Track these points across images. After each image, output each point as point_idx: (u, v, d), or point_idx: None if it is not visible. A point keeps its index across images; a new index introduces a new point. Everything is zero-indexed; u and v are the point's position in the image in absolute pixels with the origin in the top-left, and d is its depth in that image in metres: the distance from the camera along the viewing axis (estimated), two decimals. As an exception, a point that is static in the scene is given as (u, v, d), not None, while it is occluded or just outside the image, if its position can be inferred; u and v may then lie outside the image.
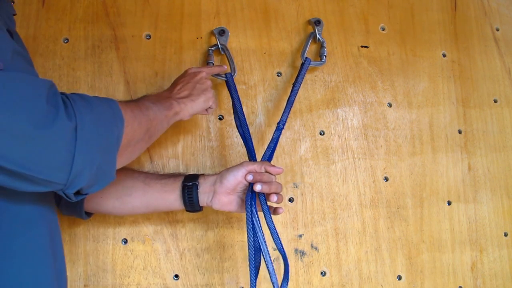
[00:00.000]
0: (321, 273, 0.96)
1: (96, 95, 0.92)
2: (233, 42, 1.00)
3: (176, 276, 0.91)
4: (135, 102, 0.68)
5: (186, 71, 0.85)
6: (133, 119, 0.61)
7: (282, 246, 0.78)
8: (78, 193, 0.55)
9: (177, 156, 0.95)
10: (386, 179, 1.02)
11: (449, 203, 1.04)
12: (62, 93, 0.53)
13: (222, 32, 0.98)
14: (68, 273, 0.88)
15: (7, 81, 0.47)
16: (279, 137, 0.87)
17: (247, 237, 0.77)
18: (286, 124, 0.90)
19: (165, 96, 0.78)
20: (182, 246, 0.92)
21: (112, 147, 0.56)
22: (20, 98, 0.47)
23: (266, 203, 0.79)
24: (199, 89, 0.81)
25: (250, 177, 0.78)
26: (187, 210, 0.81)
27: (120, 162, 0.61)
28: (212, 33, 0.99)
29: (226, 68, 0.93)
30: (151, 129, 0.67)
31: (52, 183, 0.51)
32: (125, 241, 0.91)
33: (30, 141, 0.47)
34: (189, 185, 0.80)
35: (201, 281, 0.91)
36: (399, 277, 0.99)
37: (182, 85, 0.81)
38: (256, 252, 0.78)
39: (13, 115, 0.46)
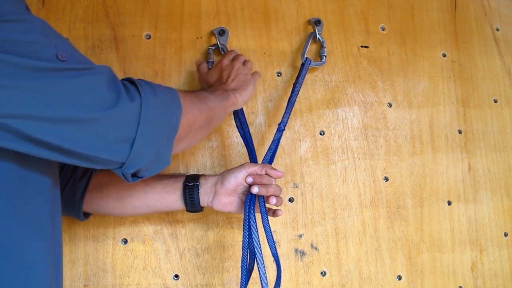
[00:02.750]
0: (321, 273, 0.96)
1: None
2: (233, 42, 1.00)
3: (176, 276, 0.91)
4: (193, 93, 0.72)
5: (221, 63, 0.88)
6: (193, 107, 0.65)
7: (276, 251, 0.78)
8: (134, 175, 0.58)
9: (177, 156, 0.95)
10: (386, 179, 1.02)
11: (449, 203, 1.04)
12: (128, 79, 0.57)
13: (222, 32, 0.98)
14: (68, 273, 0.88)
15: (70, 76, 0.50)
16: (280, 138, 0.87)
17: (242, 238, 0.77)
18: (286, 124, 0.90)
19: (221, 88, 0.81)
20: (182, 246, 0.92)
21: (171, 132, 0.59)
22: (81, 90, 0.50)
23: (265, 205, 0.79)
24: (245, 77, 0.85)
25: (250, 179, 0.79)
26: (188, 211, 0.82)
27: (182, 147, 0.65)
28: (212, 33, 0.99)
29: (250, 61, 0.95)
30: (211, 117, 0.70)
31: (112, 161, 0.54)
32: (125, 241, 0.91)
33: (93, 124, 0.50)
34: (190, 185, 0.80)
35: (201, 281, 0.91)
36: (399, 277, 0.99)
37: (229, 76, 0.84)
38: (250, 254, 0.78)
39: (76, 107, 0.49)
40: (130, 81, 0.57)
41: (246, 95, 0.83)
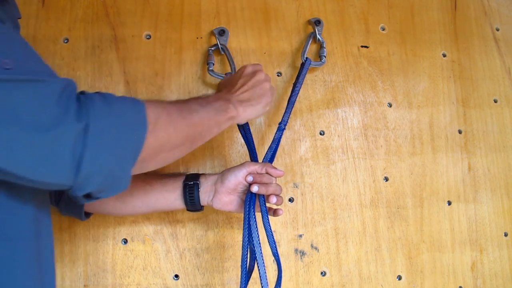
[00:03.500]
0: (321, 273, 0.96)
1: (96, 95, 0.93)
2: (233, 42, 1.00)
3: (176, 276, 0.91)
4: (178, 105, 0.63)
5: (243, 68, 0.81)
6: (168, 124, 0.58)
7: (276, 250, 0.78)
8: (89, 196, 0.53)
9: (177, 156, 0.95)
10: (386, 179, 1.02)
11: (449, 203, 1.04)
12: (83, 93, 0.52)
13: (222, 32, 0.98)
14: (68, 273, 0.88)
15: (9, 88, 0.45)
16: (280, 137, 0.87)
17: (242, 237, 0.77)
18: (286, 124, 0.90)
19: (223, 98, 0.72)
20: (182, 246, 0.92)
21: (128, 154, 0.53)
22: (22, 105, 0.45)
23: (265, 204, 0.79)
24: (260, 92, 0.76)
25: (250, 178, 0.78)
26: (188, 210, 0.81)
27: (152, 166, 0.59)
28: (212, 33, 0.99)
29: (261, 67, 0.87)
30: (194, 135, 0.63)
31: (58, 185, 0.50)
32: (125, 241, 0.91)
33: (34, 145, 0.46)
34: (190, 184, 0.80)
35: (201, 281, 0.91)
36: (399, 277, 0.99)
37: (242, 86, 0.76)
38: (250, 254, 0.78)
39: (14, 124, 0.45)
40: (86, 97, 0.51)
41: (252, 112, 0.75)
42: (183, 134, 0.61)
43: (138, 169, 0.55)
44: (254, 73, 0.79)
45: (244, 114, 0.73)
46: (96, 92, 0.53)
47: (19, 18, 0.69)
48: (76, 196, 0.52)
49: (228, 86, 0.79)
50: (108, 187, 0.53)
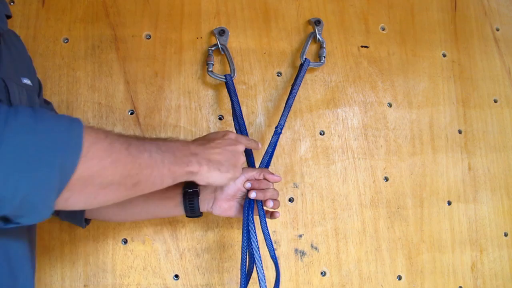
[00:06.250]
0: (321, 273, 0.96)
1: (96, 95, 0.93)
2: (233, 42, 1.00)
3: (176, 276, 0.91)
4: (130, 140, 0.55)
5: (225, 133, 0.74)
6: (105, 155, 0.50)
7: (274, 253, 0.79)
8: (6, 219, 0.46)
9: (177, 156, 0.95)
10: (386, 179, 1.02)
11: (449, 203, 1.04)
12: (9, 104, 0.45)
13: (222, 32, 0.98)
14: (68, 273, 0.88)
15: None
16: (277, 141, 0.88)
17: (242, 241, 0.78)
18: (286, 123, 0.90)
19: (191, 150, 0.65)
20: (182, 246, 0.92)
21: (50, 179, 0.45)
22: None
23: (263, 208, 0.80)
24: (232, 162, 0.70)
25: (248, 185, 0.79)
26: (187, 216, 0.82)
27: (80, 201, 0.50)
28: (212, 33, 0.99)
29: (261, 146, 0.84)
30: (138, 177, 0.54)
31: None
32: (125, 241, 0.91)
33: None
34: (190, 191, 0.80)
35: (201, 281, 0.91)
36: (399, 277, 0.99)
37: (216, 146, 0.69)
38: (250, 257, 0.79)
39: None
40: (12, 108, 0.44)
41: (215, 178, 0.67)
42: (123, 171, 0.52)
43: (59, 203, 0.48)
44: (235, 142, 0.73)
45: (206, 175, 0.65)
46: (28, 107, 0.46)
47: (9, 16, 0.68)
48: None
49: (203, 140, 0.72)
50: (25, 214, 0.45)
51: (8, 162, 0.42)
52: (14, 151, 0.42)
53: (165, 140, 0.64)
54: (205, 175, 0.65)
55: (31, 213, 0.46)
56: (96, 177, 0.49)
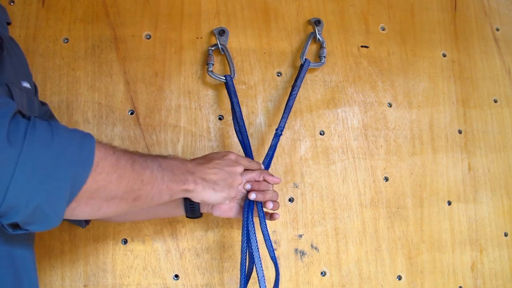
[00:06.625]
0: (321, 273, 0.96)
1: (96, 95, 0.93)
2: (233, 42, 1.00)
3: (176, 276, 0.91)
4: (135, 156, 0.58)
5: (226, 153, 0.76)
6: (112, 170, 0.53)
7: (274, 254, 0.79)
8: (16, 225, 0.48)
9: (177, 156, 0.95)
10: (386, 179, 1.02)
11: (449, 203, 1.04)
12: (28, 118, 0.47)
13: (222, 32, 0.98)
14: (68, 273, 0.88)
15: None
16: (277, 144, 0.88)
17: (241, 242, 0.78)
18: (286, 124, 0.90)
19: (187, 168, 0.67)
20: (182, 246, 0.92)
21: (62, 191, 0.48)
22: None
23: (262, 209, 0.81)
24: (228, 183, 0.71)
25: (248, 186, 0.80)
26: (187, 217, 0.83)
27: (85, 212, 0.53)
28: (212, 33, 0.99)
29: (263, 167, 0.85)
30: (140, 192, 0.57)
31: None
32: (125, 241, 0.91)
33: None
34: None
35: (201, 281, 0.91)
36: (399, 277, 0.99)
37: (213, 167, 0.71)
38: (250, 258, 0.79)
39: None
40: (28, 122, 0.47)
41: (210, 196, 0.69)
42: (127, 186, 0.55)
43: (67, 212, 0.50)
44: (234, 163, 0.75)
45: (201, 193, 0.68)
46: (45, 120, 0.49)
47: (9, 23, 0.69)
48: (2, 224, 0.48)
49: (203, 159, 0.74)
50: (36, 221, 0.48)
51: (25, 172, 0.44)
52: (32, 162, 0.45)
53: (165, 157, 0.66)
54: (200, 193, 0.68)
55: (41, 221, 0.48)
56: (102, 190, 0.52)
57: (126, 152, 0.57)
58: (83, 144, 0.50)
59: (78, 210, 0.52)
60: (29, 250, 0.61)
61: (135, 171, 0.56)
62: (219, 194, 0.70)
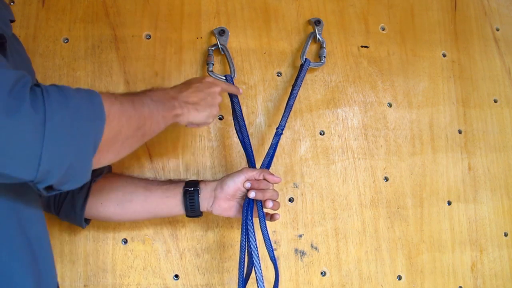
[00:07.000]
0: (321, 273, 0.96)
1: (96, 95, 0.93)
2: (233, 42, 1.00)
3: (176, 276, 0.91)
4: (131, 97, 0.62)
5: (203, 77, 0.81)
6: (121, 115, 0.57)
7: (273, 254, 0.79)
8: (50, 187, 0.51)
9: (177, 156, 0.95)
10: (386, 179, 1.02)
11: (449, 203, 1.04)
12: (38, 85, 0.49)
13: (222, 32, 0.98)
14: (68, 273, 0.88)
15: None
16: (277, 143, 0.88)
17: (240, 241, 0.78)
18: (286, 124, 0.90)
19: (171, 95, 0.72)
20: (182, 246, 0.92)
21: (88, 146, 0.51)
22: None
23: (262, 209, 0.80)
24: (208, 102, 0.77)
25: (248, 185, 0.80)
26: (187, 216, 0.83)
27: (107, 158, 0.57)
28: (212, 33, 0.99)
29: (242, 91, 0.90)
30: (145, 127, 0.62)
31: (18, 178, 0.48)
32: (125, 241, 0.91)
33: None
34: (191, 190, 0.81)
35: (201, 281, 0.91)
36: (399, 277, 0.99)
37: (193, 90, 0.76)
38: (249, 257, 0.79)
39: None
40: (41, 89, 0.49)
41: (196, 117, 0.74)
42: (135, 125, 0.60)
43: (94, 164, 0.54)
44: (211, 84, 0.79)
45: (187, 114, 0.73)
46: (52, 84, 0.52)
47: (12, 21, 0.69)
48: (38, 189, 0.51)
49: (182, 85, 0.78)
50: (69, 180, 0.51)
51: (53, 136, 0.47)
52: (56, 126, 0.47)
53: (151, 90, 0.70)
54: (185, 115, 0.72)
55: (74, 178, 0.52)
56: (118, 135, 0.56)
57: (124, 95, 0.62)
58: (92, 99, 0.53)
59: (103, 159, 0.56)
60: (43, 230, 0.63)
61: (137, 109, 0.60)
62: (202, 113, 0.74)
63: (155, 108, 0.65)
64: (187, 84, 0.78)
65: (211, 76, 0.83)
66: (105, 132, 0.53)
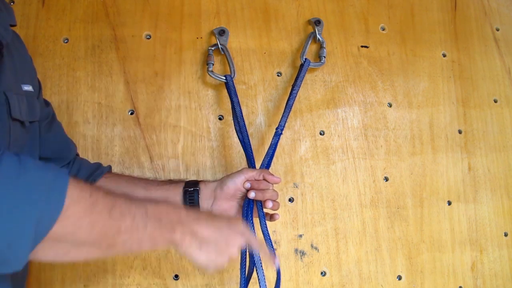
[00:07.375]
0: (321, 273, 0.96)
1: (96, 95, 0.93)
2: (233, 42, 1.00)
3: (176, 276, 0.91)
4: (115, 200, 0.52)
5: (237, 219, 0.70)
6: (84, 216, 0.47)
7: (274, 253, 0.79)
8: None
9: (177, 156, 0.95)
10: (386, 179, 1.02)
11: (449, 203, 1.04)
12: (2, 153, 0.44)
13: (222, 32, 0.98)
14: (68, 273, 0.88)
15: None
16: (277, 143, 0.88)
17: None
18: (286, 124, 0.90)
19: (178, 217, 0.58)
20: (182, 246, 0.92)
21: (25, 235, 0.43)
22: None
23: (262, 209, 0.80)
24: (220, 247, 0.60)
25: (247, 185, 0.80)
26: None
27: (49, 256, 0.48)
28: (212, 33, 0.99)
29: (278, 264, 0.78)
30: (115, 240, 0.51)
31: None
32: (125, 241, 0.91)
33: None
34: (191, 190, 0.80)
35: (201, 281, 0.91)
36: (399, 277, 0.99)
37: (210, 225, 0.60)
38: (250, 258, 0.79)
39: None
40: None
41: (194, 254, 0.58)
42: (100, 233, 0.49)
43: (32, 255, 0.46)
44: (237, 231, 0.63)
45: (185, 248, 0.58)
46: (16, 155, 0.45)
47: (13, 25, 0.67)
48: None
49: (204, 214, 0.65)
50: (2, 262, 0.44)
51: None
52: None
53: (157, 203, 0.58)
54: (183, 248, 0.58)
55: (3, 265, 0.44)
56: (70, 235, 0.47)
57: (108, 194, 0.52)
58: (54, 184, 0.45)
59: (42, 253, 0.47)
60: None
61: (113, 217, 0.50)
62: (204, 255, 0.58)
63: (143, 224, 0.53)
64: (211, 216, 0.64)
65: (247, 224, 0.71)
66: (55, 227, 0.45)
